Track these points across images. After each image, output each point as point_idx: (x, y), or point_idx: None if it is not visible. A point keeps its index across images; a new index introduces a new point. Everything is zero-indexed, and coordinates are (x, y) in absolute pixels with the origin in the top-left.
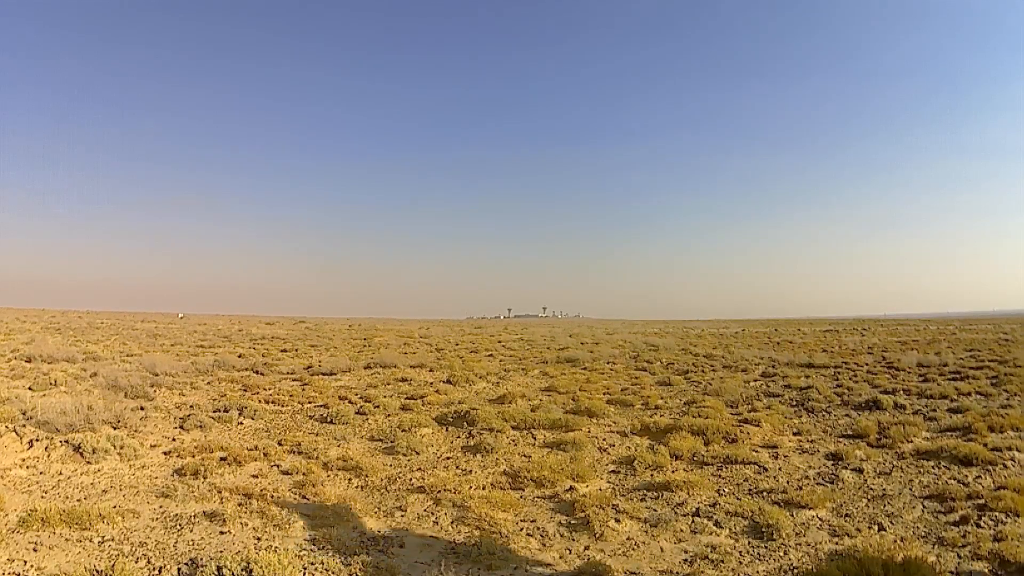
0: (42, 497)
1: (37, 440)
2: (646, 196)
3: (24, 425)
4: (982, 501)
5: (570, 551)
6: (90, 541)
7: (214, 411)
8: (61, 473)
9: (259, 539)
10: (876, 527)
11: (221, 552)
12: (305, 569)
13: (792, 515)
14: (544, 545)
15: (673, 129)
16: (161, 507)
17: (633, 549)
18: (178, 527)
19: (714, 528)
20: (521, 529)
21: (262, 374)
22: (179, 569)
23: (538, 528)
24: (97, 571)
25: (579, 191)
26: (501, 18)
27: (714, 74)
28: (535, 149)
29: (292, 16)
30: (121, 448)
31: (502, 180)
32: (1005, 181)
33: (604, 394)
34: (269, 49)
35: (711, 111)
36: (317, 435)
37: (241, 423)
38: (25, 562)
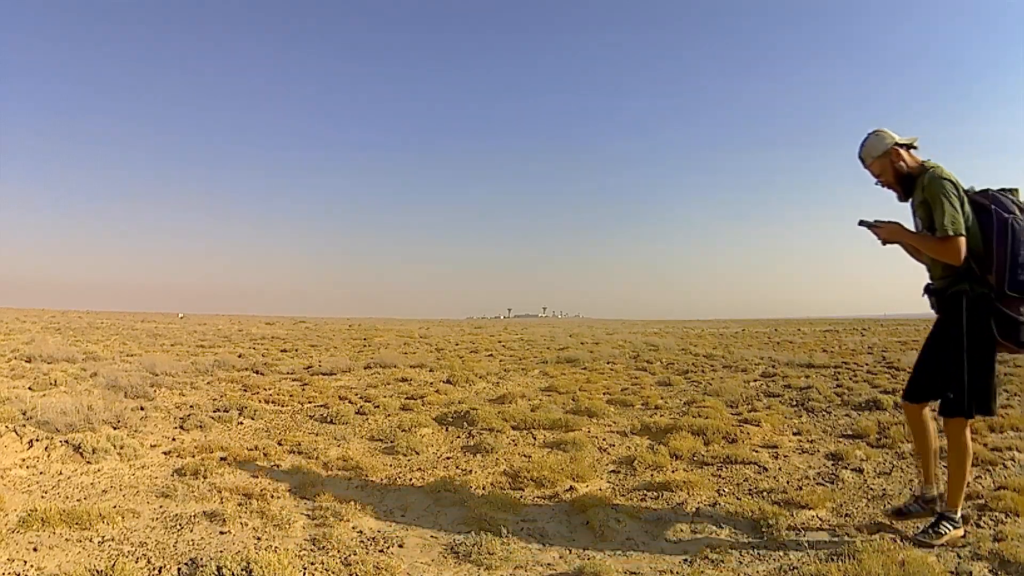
0: (42, 497)
1: (37, 440)
2: (646, 195)
3: (24, 425)
4: (982, 501)
5: (570, 551)
6: (90, 541)
7: (214, 411)
8: (61, 473)
9: (259, 539)
10: (876, 527)
11: (221, 552)
12: (305, 569)
13: (792, 515)
14: (544, 545)
15: (673, 125)
16: (161, 507)
17: (633, 549)
18: (178, 527)
19: (714, 528)
20: (521, 529)
21: (262, 374)
22: (179, 569)
23: (538, 528)
24: (97, 571)
25: (579, 191)
26: (500, 21)
27: (713, 68)
28: (535, 149)
29: (294, 19)
30: (121, 448)
31: (503, 181)
32: (1006, 178)
33: (604, 394)
34: (270, 50)
35: (710, 106)
36: (317, 435)
37: (241, 423)
38: (25, 562)
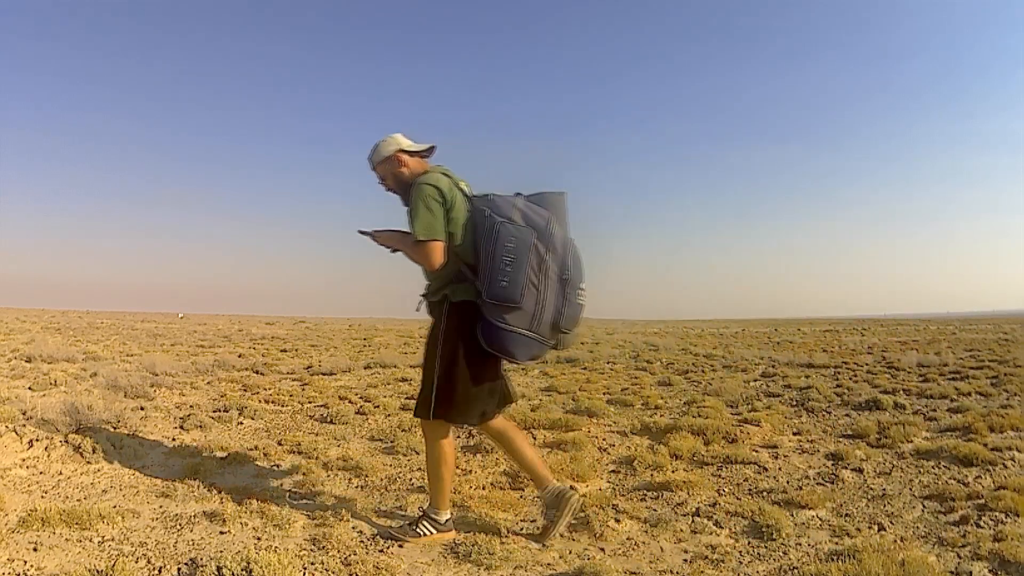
0: (42, 497)
1: (37, 440)
2: (645, 193)
3: (24, 425)
4: (982, 501)
5: (570, 551)
6: (90, 541)
7: (214, 411)
8: (61, 473)
9: (259, 539)
10: (876, 527)
11: (221, 552)
12: (305, 569)
13: (792, 515)
14: (544, 545)
15: (671, 119)
16: (161, 507)
17: (633, 549)
18: (178, 527)
19: (714, 528)
20: (521, 529)
21: (262, 374)
22: (179, 569)
23: (538, 528)
24: (97, 571)
25: (579, 189)
26: (499, 20)
27: (712, 62)
28: (534, 147)
29: (293, 19)
30: (121, 448)
31: (502, 178)
32: (1006, 177)
33: (604, 394)
34: (270, 50)
35: (709, 100)
36: (317, 435)
37: (241, 423)
38: (25, 562)
